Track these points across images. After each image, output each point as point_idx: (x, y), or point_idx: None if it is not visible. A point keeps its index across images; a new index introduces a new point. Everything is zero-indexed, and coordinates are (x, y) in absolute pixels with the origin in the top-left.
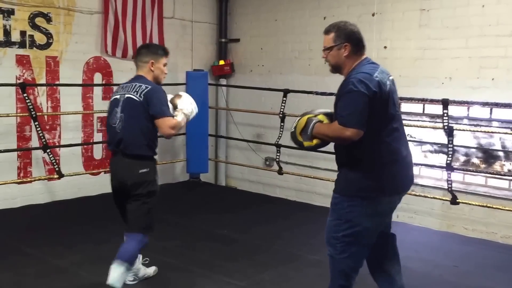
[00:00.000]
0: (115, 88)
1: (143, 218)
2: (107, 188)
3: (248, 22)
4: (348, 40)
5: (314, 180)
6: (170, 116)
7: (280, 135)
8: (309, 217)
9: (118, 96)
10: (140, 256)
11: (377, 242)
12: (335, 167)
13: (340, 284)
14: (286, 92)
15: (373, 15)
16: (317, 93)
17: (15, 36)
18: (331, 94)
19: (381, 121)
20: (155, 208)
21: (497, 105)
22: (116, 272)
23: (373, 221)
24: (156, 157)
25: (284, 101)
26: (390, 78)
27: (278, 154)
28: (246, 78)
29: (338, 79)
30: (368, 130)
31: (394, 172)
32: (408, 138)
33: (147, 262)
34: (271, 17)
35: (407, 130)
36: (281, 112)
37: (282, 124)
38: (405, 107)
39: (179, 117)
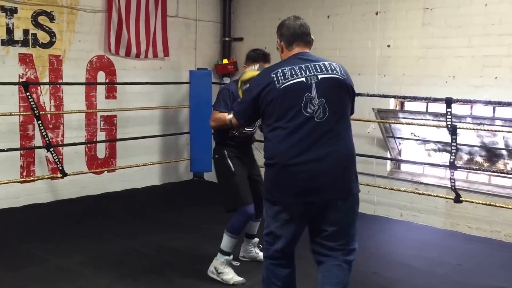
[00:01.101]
0: (118, 87)
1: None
2: (111, 187)
3: (251, 21)
4: (280, 36)
5: None
6: (216, 110)
7: None
8: None
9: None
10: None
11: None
12: None
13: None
14: None
15: (376, 14)
16: None
17: (18, 35)
18: None
19: (272, 119)
20: (157, 207)
21: (500, 103)
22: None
23: (276, 226)
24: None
25: None
26: (322, 76)
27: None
28: None
29: None
30: (264, 128)
31: (276, 174)
32: (411, 136)
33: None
34: (275, 16)
35: (411, 129)
36: None
37: None
38: (408, 105)
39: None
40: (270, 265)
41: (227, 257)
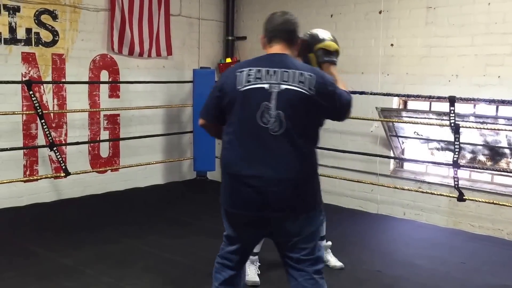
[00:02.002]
0: (121, 86)
1: None
2: (114, 186)
3: (255, 20)
4: (263, 30)
5: (320, 178)
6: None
7: None
8: None
9: None
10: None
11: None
12: (342, 164)
13: None
14: None
15: (380, 12)
16: None
17: (21, 34)
18: None
19: (228, 123)
20: (160, 206)
21: (503, 102)
22: None
23: (230, 230)
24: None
25: None
26: (286, 87)
27: None
28: None
29: (345, 77)
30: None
31: (225, 183)
32: (414, 135)
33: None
34: None
35: (414, 128)
36: None
37: None
38: (411, 104)
39: None
40: (217, 263)
41: (251, 257)
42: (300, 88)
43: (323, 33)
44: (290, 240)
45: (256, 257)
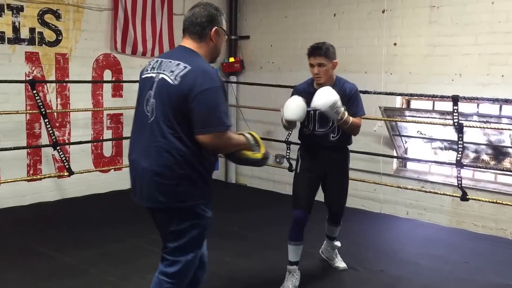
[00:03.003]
0: (124, 85)
1: None
2: (117, 186)
3: (258, 19)
4: None
5: None
6: None
7: (290, 132)
8: (319, 214)
9: None
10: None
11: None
12: None
13: None
14: None
15: (383, 11)
16: None
17: (24, 33)
18: None
19: None
20: None
21: (507, 101)
22: None
23: None
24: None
25: None
26: (162, 76)
27: (288, 151)
28: (256, 75)
29: (348, 76)
30: None
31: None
32: (418, 134)
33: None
34: (281, 14)
35: (417, 127)
36: None
37: None
38: (414, 103)
39: None
40: None
41: (288, 266)
42: (168, 77)
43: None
44: (161, 234)
45: (294, 267)
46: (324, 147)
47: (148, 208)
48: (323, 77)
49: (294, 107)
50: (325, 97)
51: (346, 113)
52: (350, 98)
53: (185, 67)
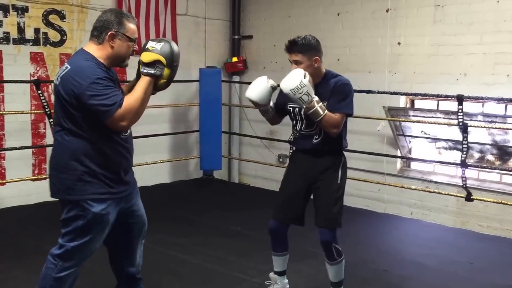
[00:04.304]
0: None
1: None
2: None
3: (261, 19)
4: None
5: None
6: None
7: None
8: None
9: None
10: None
11: None
12: (349, 163)
13: None
14: None
15: (387, 11)
16: None
17: (29, 34)
18: None
19: None
20: (167, 205)
21: None
22: None
23: None
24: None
25: None
26: (60, 75)
27: (291, 150)
28: (259, 74)
29: (352, 76)
30: None
31: None
32: (422, 134)
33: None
34: (285, 14)
35: (421, 127)
36: None
37: None
38: (419, 103)
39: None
40: None
41: (270, 274)
42: (56, 80)
43: (154, 42)
44: None
45: (276, 276)
46: (309, 151)
47: None
48: None
49: (254, 85)
50: (289, 79)
51: (317, 104)
52: (333, 91)
53: (66, 68)
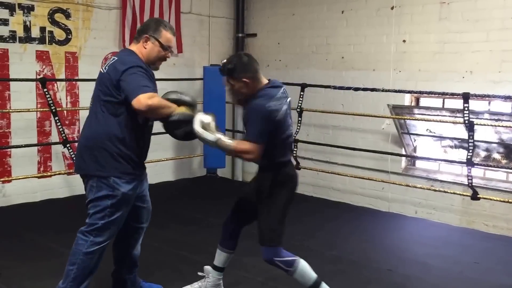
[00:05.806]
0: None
1: None
2: None
3: (265, 17)
4: None
5: (331, 176)
6: None
7: (298, 130)
8: (327, 212)
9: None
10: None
11: None
12: (353, 162)
13: None
14: (303, 86)
15: (392, 8)
16: (334, 87)
17: (35, 32)
18: (348, 88)
19: None
20: (171, 203)
21: None
22: None
23: None
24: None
25: (301, 96)
26: (107, 65)
27: (295, 149)
28: (263, 72)
29: (356, 74)
30: None
31: None
32: (427, 133)
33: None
34: (289, 12)
35: (426, 125)
36: (298, 107)
37: (299, 119)
38: (424, 101)
39: None
40: None
41: (205, 266)
42: (103, 69)
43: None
44: None
45: (211, 269)
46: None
47: None
48: (233, 97)
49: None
50: (193, 124)
51: (221, 141)
52: (246, 115)
53: (114, 59)
